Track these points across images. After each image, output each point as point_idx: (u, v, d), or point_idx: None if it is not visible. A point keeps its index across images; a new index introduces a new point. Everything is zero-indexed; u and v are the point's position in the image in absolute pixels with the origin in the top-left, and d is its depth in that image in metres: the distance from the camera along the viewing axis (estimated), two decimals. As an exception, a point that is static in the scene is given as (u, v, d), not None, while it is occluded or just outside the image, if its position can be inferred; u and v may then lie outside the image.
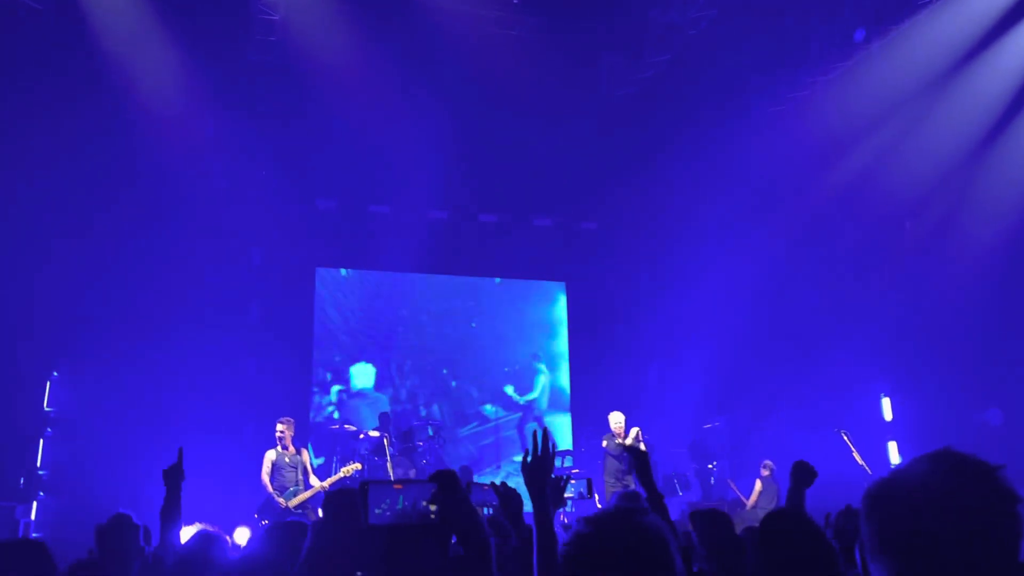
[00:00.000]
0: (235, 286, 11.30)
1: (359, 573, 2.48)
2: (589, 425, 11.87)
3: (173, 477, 3.47)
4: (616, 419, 9.56)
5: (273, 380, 11.00)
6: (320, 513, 3.22)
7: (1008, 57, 9.84)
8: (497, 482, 2.92)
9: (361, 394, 12.31)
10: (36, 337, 9.43)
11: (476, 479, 9.34)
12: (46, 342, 9.66)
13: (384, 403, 12.10)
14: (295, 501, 8.06)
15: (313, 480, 8.30)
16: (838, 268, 11.74)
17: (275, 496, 8.05)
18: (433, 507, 2.28)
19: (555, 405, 13.19)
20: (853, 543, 3.04)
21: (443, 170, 11.05)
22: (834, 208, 11.61)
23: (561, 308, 13.63)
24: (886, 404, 11.57)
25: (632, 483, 8.11)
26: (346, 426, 10.41)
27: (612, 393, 11.69)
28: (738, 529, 4.17)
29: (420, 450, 10.22)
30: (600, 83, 11.39)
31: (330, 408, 12.06)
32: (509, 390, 13.01)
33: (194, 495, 3.87)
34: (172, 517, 3.41)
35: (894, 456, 11.03)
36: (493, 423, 12.70)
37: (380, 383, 12.46)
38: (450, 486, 2.36)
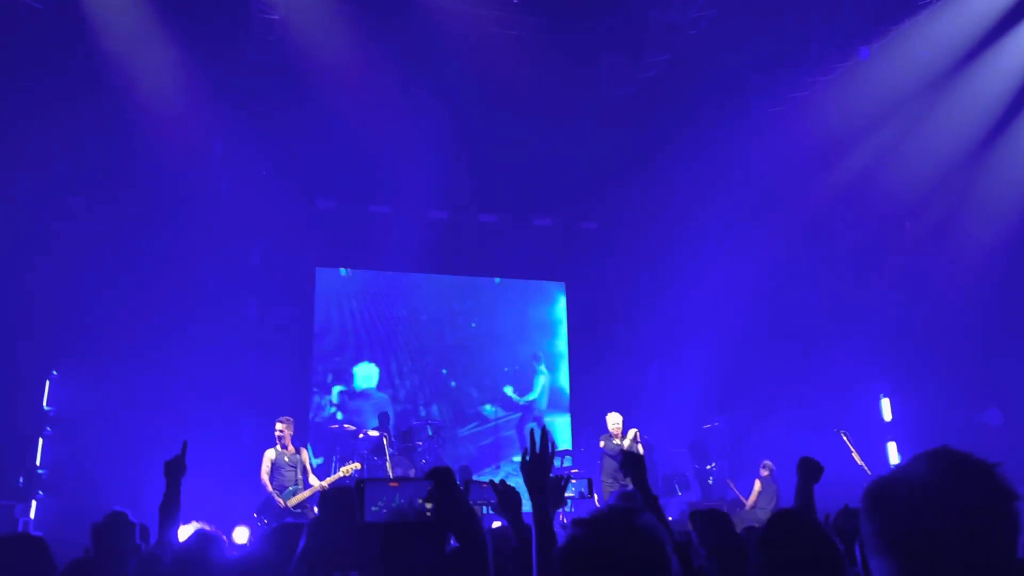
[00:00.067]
0: (235, 285, 11.31)
1: (355, 572, 2.48)
2: (589, 425, 11.86)
3: (175, 470, 3.43)
4: (613, 420, 9.56)
5: (272, 379, 11.01)
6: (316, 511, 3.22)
7: (1008, 57, 9.84)
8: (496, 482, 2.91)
9: (364, 394, 12.31)
10: (35, 336, 9.44)
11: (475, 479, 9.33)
12: (45, 341, 9.67)
13: (387, 403, 12.10)
14: (294, 500, 8.05)
15: (312, 479, 8.29)
16: (838, 268, 11.74)
17: (274, 495, 8.05)
18: (429, 505, 2.28)
19: (555, 405, 13.18)
20: (853, 542, 3.04)
21: (443, 170, 11.04)
22: (834, 208, 11.61)
23: (561, 308, 13.62)
24: (885, 404, 11.57)
25: (630, 483, 8.10)
26: (345, 425, 10.41)
27: (612, 393, 11.68)
28: (737, 529, 4.16)
29: (419, 450, 10.22)
30: (600, 83, 11.38)
31: (332, 409, 12.06)
32: (508, 390, 13.01)
33: (193, 494, 3.86)
34: (171, 514, 3.40)
35: (893, 456, 11.01)
36: (492, 423, 12.69)
37: (380, 383, 12.46)
38: (446, 484, 2.35)
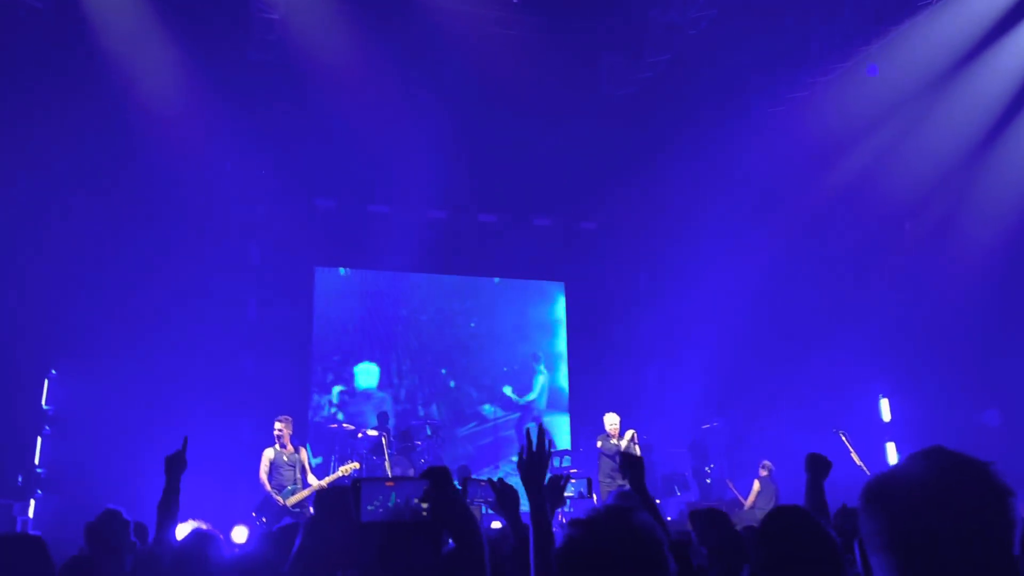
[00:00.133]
0: (234, 285, 11.31)
1: (351, 572, 2.47)
2: (588, 425, 11.85)
3: (175, 465, 3.39)
4: (611, 420, 9.56)
5: (271, 378, 11.01)
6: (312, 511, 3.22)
7: (1008, 57, 9.84)
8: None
9: (365, 394, 12.31)
10: (34, 335, 9.43)
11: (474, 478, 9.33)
12: (44, 340, 9.67)
13: (388, 403, 12.10)
14: (293, 500, 8.05)
15: (311, 479, 8.29)
16: (838, 268, 11.73)
17: (273, 495, 8.05)
18: (425, 505, 2.27)
19: (554, 405, 13.18)
20: (852, 541, 3.04)
21: (442, 170, 11.04)
22: (834, 208, 11.60)
23: (560, 308, 13.62)
24: (884, 405, 11.57)
25: (627, 483, 8.10)
26: (344, 425, 10.41)
27: (611, 393, 11.69)
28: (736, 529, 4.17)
29: (418, 449, 10.22)
30: (600, 83, 11.39)
31: (332, 409, 12.05)
32: (508, 390, 13.01)
33: (192, 493, 3.85)
34: (170, 511, 3.37)
35: (892, 457, 11.01)
36: (491, 423, 12.69)
37: (380, 383, 12.46)
38: (442, 484, 2.35)
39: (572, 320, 13.47)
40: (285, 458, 8.21)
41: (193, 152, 10.36)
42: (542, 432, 2.33)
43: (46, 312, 9.44)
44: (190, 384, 10.17)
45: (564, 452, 11.05)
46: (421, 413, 12.33)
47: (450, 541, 2.41)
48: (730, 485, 10.74)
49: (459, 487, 2.80)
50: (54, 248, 9.57)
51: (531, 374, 13.22)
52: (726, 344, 11.49)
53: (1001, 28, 9.67)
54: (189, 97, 9.91)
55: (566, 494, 3.08)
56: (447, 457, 11.17)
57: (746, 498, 10.03)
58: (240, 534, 7.74)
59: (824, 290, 11.69)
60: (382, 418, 10.46)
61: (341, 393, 12.21)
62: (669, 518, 9.28)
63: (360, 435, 9.95)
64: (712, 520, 4.22)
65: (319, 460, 10.97)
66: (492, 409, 12.72)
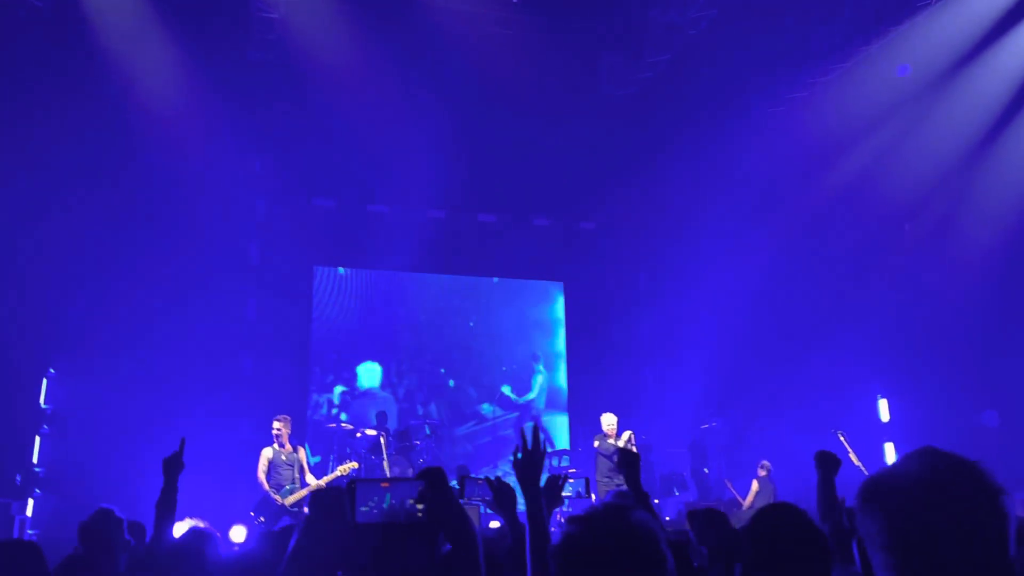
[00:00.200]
0: (233, 284, 11.31)
1: (346, 573, 2.47)
2: (587, 425, 11.84)
3: (172, 467, 3.42)
4: (608, 420, 9.55)
5: (270, 377, 11.02)
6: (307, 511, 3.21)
7: (1008, 57, 9.82)
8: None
9: (368, 393, 12.31)
10: (33, 334, 9.43)
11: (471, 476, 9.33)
12: (43, 339, 9.67)
13: (391, 402, 12.09)
14: (291, 499, 8.04)
15: (309, 478, 8.28)
16: (837, 268, 11.72)
17: (271, 494, 8.04)
18: (420, 506, 2.27)
19: (553, 405, 13.18)
20: (851, 540, 3.05)
21: (442, 170, 11.04)
22: (833, 208, 11.59)
23: (559, 308, 13.62)
24: (883, 405, 11.56)
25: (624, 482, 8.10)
26: (343, 424, 10.41)
27: (610, 393, 11.68)
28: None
29: (417, 449, 10.21)
30: (600, 83, 11.39)
31: (334, 410, 12.05)
32: (506, 390, 13.00)
33: (190, 492, 3.85)
34: (167, 511, 3.38)
35: (891, 457, 11.00)
36: (490, 422, 12.69)
37: (381, 382, 12.46)
38: (437, 484, 2.35)
39: (571, 320, 13.47)
40: (284, 457, 8.21)
41: (193, 152, 10.36)
42: (537, 431, 2.34)
43: (45, 311, 9.44)
44: (189, 383, 10.16)
45: (563, 452, 11.06)
46: (420, 412, 12.33)
47: (446, 543, 2.40)
48: (729, 485, 10.74)
49: (457, 486, 2.80)
50: (53, 247, 9.56)
51: (530, 374, 13.22)
52: (725, 344, 11.48)
53: (1001, 28, 9.65)
54: (189, 97, 9.91)
55: (564, 494, 3.08)
56: (446, 456, 11.17)
57: (745, 498, 10.03)
58: (238, 533, 7.74)
59: (824, 290, 11.68)
60: (381, 418, 10.46)
61: (343, 394, 12.21)
62: (668, 518, 9.29)
63: (359, 435, 9.94)
64: (710, 520, 4.22)
65: (317, 459, 10.97)
66: (491, 409, 12.72)
